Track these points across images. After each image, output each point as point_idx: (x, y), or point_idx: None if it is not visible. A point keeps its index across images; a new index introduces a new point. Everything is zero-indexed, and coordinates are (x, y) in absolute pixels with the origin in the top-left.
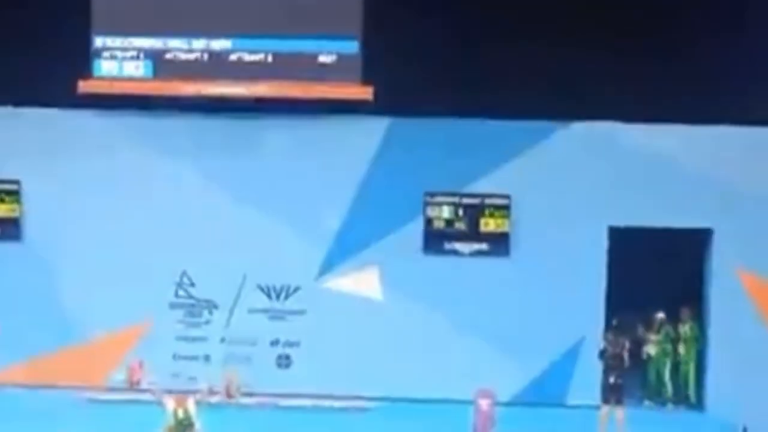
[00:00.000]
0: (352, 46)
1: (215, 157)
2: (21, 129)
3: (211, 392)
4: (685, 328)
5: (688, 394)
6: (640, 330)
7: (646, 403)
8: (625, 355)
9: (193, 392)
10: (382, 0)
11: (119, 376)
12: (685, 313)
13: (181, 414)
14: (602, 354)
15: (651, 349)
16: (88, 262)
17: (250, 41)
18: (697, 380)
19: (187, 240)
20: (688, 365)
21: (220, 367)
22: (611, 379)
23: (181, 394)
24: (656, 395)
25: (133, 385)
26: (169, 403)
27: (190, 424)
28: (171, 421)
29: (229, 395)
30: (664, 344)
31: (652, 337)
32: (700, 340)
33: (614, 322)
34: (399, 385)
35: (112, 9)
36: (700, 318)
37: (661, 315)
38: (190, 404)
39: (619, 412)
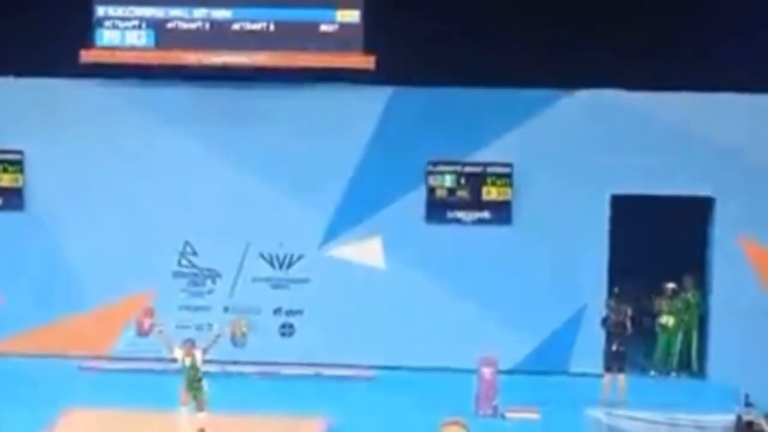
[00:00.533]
0: (354, 15)
1: (217, 126)
2: (23, 99)
3: (217, 337)
4: (688, 296)
5: (691, 362)
6: (649, 299)
7: (652, 373)
8: (628, 322)
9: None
10: None
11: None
12: (687, 281)
13: (188, 363)
14: (604, 321)
15: (667, 320)
16: (91, 232)
17: (251, 11)
18: (699, 348)
19: (189, 209)
20: (691, 333)
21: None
22: (614, 347)
23: (189, 344)
24: (662, 365)
25: (144, 333)
26: (177, 352)
27: (198, 379)
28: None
29: (234, 337)
30: (680, 315)
31: (666, 307)
32: (702, 307)
33: (616, 290)
34: (402, 354)
35: None
36: (702, 286)
37: (671, 285)
38: (198, 354)
39: (621, 380)
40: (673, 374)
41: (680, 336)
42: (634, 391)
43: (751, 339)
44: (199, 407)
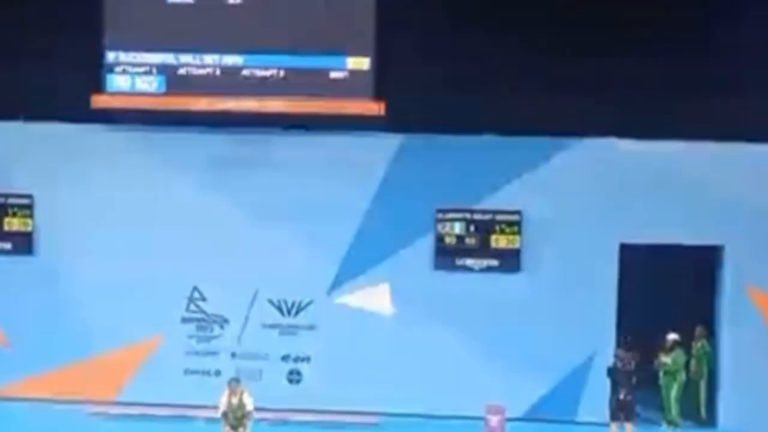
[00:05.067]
0: (364, 63)
1: (227, 172)
2: (34, 143)
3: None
4: (698, 346)
5: (700, 412)
6: (654, 349)
7: (663, 426)
8: (634, 371)
9: None
10: (394, 17)
11: None
12: (698, 330)
13: (235, 402)
14: (610, 371)
15: (661, 371)
16: (100, 276)
17: (261, 57)
18: (709, 398)
19: (198, 255)
20: (699, 383)
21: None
22: (620, 396)
23: (234, 383)
24: (668, 416)
25: None
26: (224, 397)
27: (243, 416)
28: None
29: None
30: (673, 367)
31: (663, 359)
32: (711, 357)
33: (624, 338)
34: (409, 401)
35: (125, 24)
36: (711, 335)
37: (673, 336)
38: (245, 394)
39: (629, 428)
40: (681, 425)
41: (675, 388)
42: None
43: (760, 389)
44: None
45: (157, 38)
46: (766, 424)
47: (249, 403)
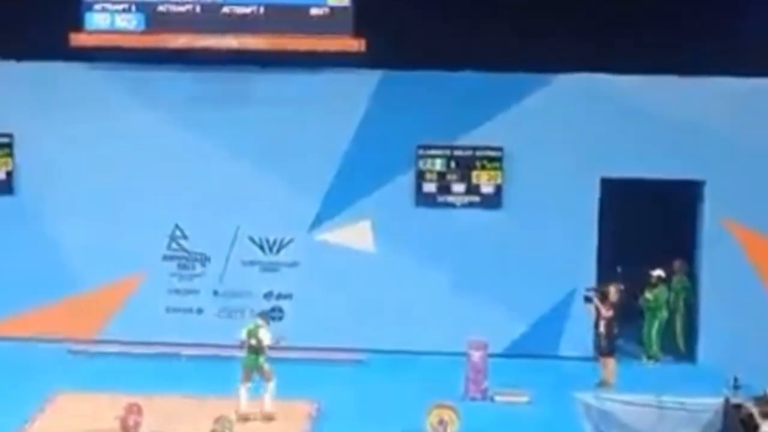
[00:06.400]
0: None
1: (207, 109)
2: (12, 82)
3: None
4: (676, 280)
5: (678, 345)
6: (637, 285)
7: (644, 359)
8: (614, 306)
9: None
10: None
11: None
12: (676, 265)
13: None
14: (588, 300)
15: (644, 307)
16: (81, 215)
17: None
18: (688, 332)
19: (179, 193)
20: (678, 317)
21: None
22: (602, 330)
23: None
24: (648, 351)
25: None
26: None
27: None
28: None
29: None
30: (654, 303)
31: (647, 294)
32: (689, 291)
33: (615, 270)
34: (391, 338)
35: None
36: (691, 269)
37: (658, 272)
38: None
39: (610, 363)
40: (662, 359)
41: (656, 324)
42: (623, 375)
43: (740, 322)
44: (267, 377)
45: None
46: (744, 357)
47: (266, 338)
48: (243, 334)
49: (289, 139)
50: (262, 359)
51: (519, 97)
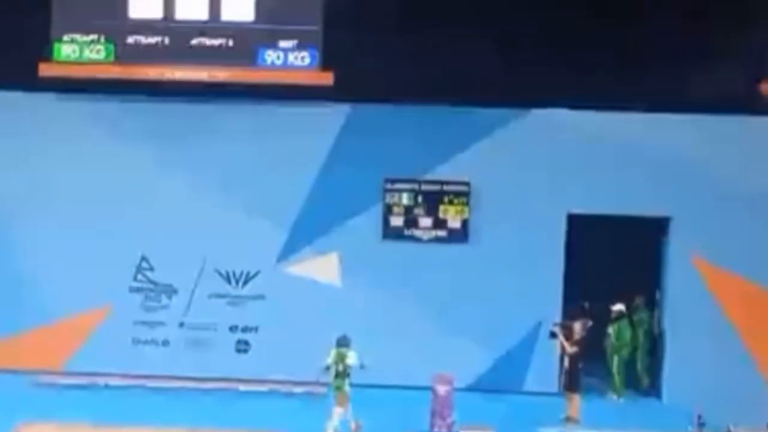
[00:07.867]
0: (312, 33)
1: (175, 141)
2: None
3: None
4: (638, 317)
5: (641, 382)
6: (603, 321)
7: (609, 393)
8: (580, 342)
9: None
10: None
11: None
12: (636, 301)
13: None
14: (553, 335)
15: (606, 342)
16: (48, 246)
17: (212, 26)
18: (652, 368)
19: (146, 224)
20: (640, 352)
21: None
22: (567, 365)
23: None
24: (612, 386)
25: None
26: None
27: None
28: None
29: None
30: (616, 338)
31: (608, 329)
32: (649, 327)
33: (581, 306)
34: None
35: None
36: (654, 305)
37: (618, 307)
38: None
39: (575, 399)
40: (626, 394)
41: (616, 359)
42: (589, 411)
43: (704, 359)
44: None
45: (105, 7)
46: (709, 394)
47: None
48: (330, 359)
49: (257, 171)
50: (346, 383)
51: (487, 132)
